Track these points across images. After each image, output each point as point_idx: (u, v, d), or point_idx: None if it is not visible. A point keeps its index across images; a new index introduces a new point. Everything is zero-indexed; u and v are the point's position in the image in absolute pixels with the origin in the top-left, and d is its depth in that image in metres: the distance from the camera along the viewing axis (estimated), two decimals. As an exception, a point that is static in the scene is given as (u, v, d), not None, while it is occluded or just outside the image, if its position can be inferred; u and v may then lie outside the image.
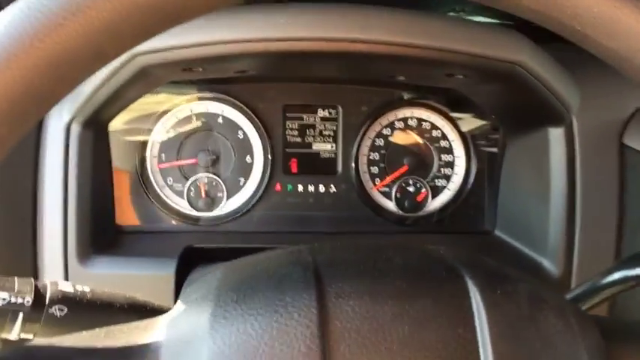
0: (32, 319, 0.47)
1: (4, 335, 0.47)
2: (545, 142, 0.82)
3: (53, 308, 0.49)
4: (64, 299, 0.49)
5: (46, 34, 0.26)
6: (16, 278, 0.47)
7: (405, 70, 0.77)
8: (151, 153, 0.93)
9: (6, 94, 0.26)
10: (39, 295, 0.48)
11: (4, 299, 0.46)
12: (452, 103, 0.98)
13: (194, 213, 0.94)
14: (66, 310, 0.49)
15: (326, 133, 0.98)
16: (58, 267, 0.76)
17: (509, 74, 0.71)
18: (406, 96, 0.97)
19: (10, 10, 0.26)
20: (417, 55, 0.66)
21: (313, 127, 0.97)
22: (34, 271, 0.76)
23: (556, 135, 0.80)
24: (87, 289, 0.52)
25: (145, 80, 0.70)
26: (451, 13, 1.08)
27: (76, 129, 0.77)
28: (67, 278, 0.76)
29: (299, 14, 0.64)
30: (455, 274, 0.37)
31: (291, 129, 0.97)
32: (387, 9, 0.66)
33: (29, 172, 0.76)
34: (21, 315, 0.46)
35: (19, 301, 0.46)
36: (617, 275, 0.58)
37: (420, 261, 0.40)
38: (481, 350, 0.33)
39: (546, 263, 0.82)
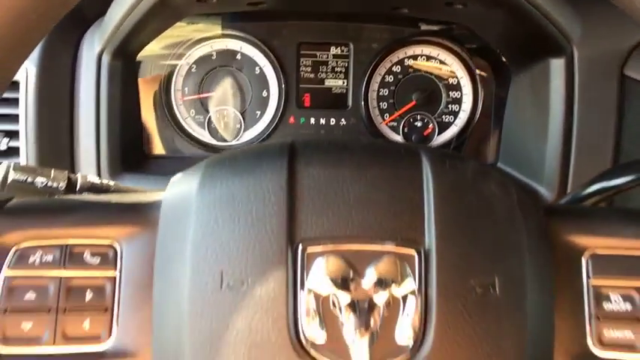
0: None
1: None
2: (546, 74, 0.84)
3: (83, 194, 0.58)
4: (92, 188, 0.58)
5: None
6: (53, 169, 0.56)
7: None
8: (175, 86, 1.00)
9: None
10: (71, 183, 0.57)
11: (42, 182, 0.55)
12: (461, 40, 1.01)
13: (214, 142, 1.02)
14: (93, 196, 0.58)
15: (338, 69, 1.03)
16: (92, 183, 0.86)
17: (506, 2, 0.74)
18: (420, 29, 1.00)
19: None
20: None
21: (326, 63, 1.02)
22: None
23: (557, 66, 0.82)
24: (111, 183, 0.61)
25: (165, 10, 0.77)
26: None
27: (106, 59, 0.85)
28: (100, 192, 0.86)
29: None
30: (412, 151, 0.43)
31: (305, 65, 1.02)
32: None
33: (66, 98, 0.85)
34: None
35: (55, 185, 0.55)
36: (595, 187, 0.62)
37: (384, 143, 0.45)
38: (425, 210, 0.39)
39: (542, 190, 0.85)
